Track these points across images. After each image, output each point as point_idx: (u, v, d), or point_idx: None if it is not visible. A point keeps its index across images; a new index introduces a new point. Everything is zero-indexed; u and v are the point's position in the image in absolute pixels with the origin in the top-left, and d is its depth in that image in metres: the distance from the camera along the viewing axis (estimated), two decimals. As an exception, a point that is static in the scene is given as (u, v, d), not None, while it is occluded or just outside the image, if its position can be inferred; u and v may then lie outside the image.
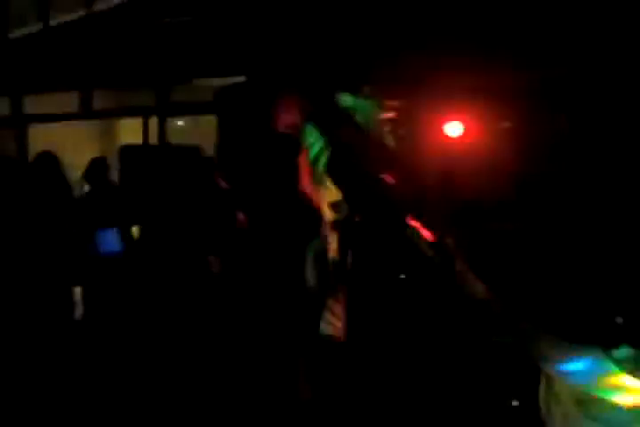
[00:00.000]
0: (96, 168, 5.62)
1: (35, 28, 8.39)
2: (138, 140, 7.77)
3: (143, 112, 7.78)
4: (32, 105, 8.40)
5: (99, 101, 8.14)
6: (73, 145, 7.16)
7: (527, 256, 3.99)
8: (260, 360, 3.31)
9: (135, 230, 4.92)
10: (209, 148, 5.52)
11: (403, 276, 4.76)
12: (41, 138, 7.77)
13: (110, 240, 5.29)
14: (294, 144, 3.60)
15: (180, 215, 4.82)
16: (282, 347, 3.21)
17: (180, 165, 4.94)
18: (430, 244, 1.51)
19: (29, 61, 8.14)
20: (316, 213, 3.32)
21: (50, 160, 5.48)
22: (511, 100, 5.28)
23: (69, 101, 8.16)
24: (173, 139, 7.38)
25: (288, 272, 3.13)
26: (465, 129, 5.67)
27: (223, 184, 4.96)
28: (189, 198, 4.89)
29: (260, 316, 3.16)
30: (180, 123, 8.55)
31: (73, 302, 5.41)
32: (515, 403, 1.71)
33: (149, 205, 4.94)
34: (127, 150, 5.01)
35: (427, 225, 3.56)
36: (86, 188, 5.69)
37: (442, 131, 5.69)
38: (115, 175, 5.43)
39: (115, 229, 5.28)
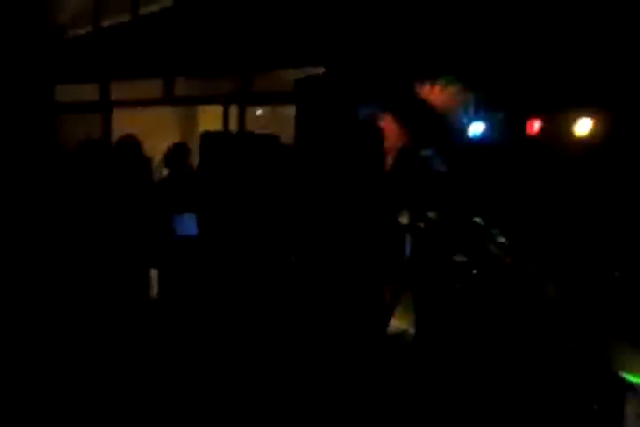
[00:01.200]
0: (176, 153, 5.78)
1: (123, 17, 8.65)
2: (218, 126, 7.93)
3: (224, 100, 7.93)
4: (118, 91, 8.68)
5: (181, 89, 8.34)
6: (155, 130, 7.36)
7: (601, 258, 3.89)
8: (328, 351, 3.35)
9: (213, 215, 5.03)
10: (287, 137, 5.59)
11: (474, 271, 4.75)
12: (125, 123, 8.02)
13: (187, 224, 5.42)
14: (371, 136, 3.63)
15: (255, 202, 4.90)
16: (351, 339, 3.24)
17: (259, 152, 5.02)
18: (501, 244, 1.50)
19: (117, 50, 8.42)
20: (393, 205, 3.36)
21: (132, 143, 5.65)
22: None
23: (153, 88, 8.39)
24: (252, 127, 7.50)
25: (359, 265, 3.17)
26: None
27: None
28: (264, 185, 4.96)
29: (333, 308, 3.20)
30: (259, 112, 8.68)
31: (149, 283, 5.59)
32: (595, 407, 1.67)
33: (227, 191, 5.04)
34: (207, 136, 5.12)
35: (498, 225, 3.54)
36: (165, 172, 5.85)
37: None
38: (195, 160, 5.56)
39: (191, 214, 5.39)
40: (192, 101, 8.63)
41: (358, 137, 3.47)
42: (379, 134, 3.50)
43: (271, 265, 4.59)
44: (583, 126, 5.16)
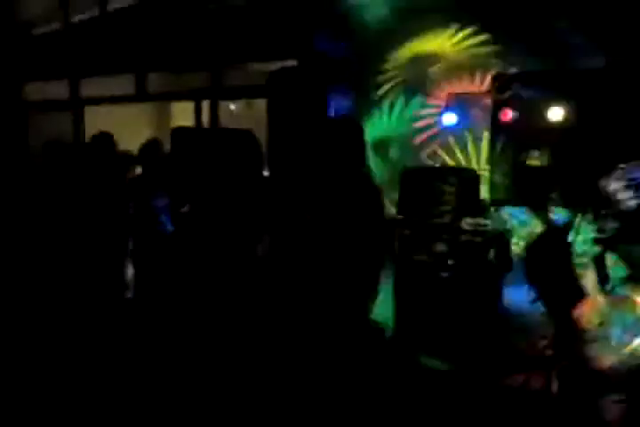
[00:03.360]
0: (148, 150, 5.69)
1: (93, 13, 8.51)
2: (191, 122, 7.84)
3: (196, 95, 7.84)
4: (89, 88, 8.55)
5: (153, 84, 8.23)
6: (127, 127, 7.25)
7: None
8: (304, 343, 3.30)
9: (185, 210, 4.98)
10: (261, 132, 5.52)
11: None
12: (97, 120, 7.90)
13: (160, 219, 5.36)
14: (345, 129, 3.58)
15: (229, 197, 4.84)
16: (326, 332, 3.19)
17: (231, 147, 4.95)
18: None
19: (87, 46, 8.28)
20: (368, 198, 3.30)
21: (106, 141, 5.57)
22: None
23: (125, 85, 8.27)
24: (226, 122, 7.42)
25: (331, 260, 3.12)
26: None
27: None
28: (239, 181, 4.89)
29: (308, 300, 3.15)
30: (232, 106, 8.59)
31: (125, 281, 5.52)
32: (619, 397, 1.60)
33: (200, 187, 4.98)
34: (178, 132, 5.04)
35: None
36: (139, 168, 5.76)
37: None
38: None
39: (166, 209, 5.33)
40: (164, 97, 8.52)
41: (335, 130, 3.40)
42: (357, 127, 3.43)
43: (241, 259, 4.53)
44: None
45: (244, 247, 4.49)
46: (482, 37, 5.81)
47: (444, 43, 6.03)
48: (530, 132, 5.17)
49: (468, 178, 5.03)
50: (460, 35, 5.96)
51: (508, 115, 5.33)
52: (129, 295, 5.58)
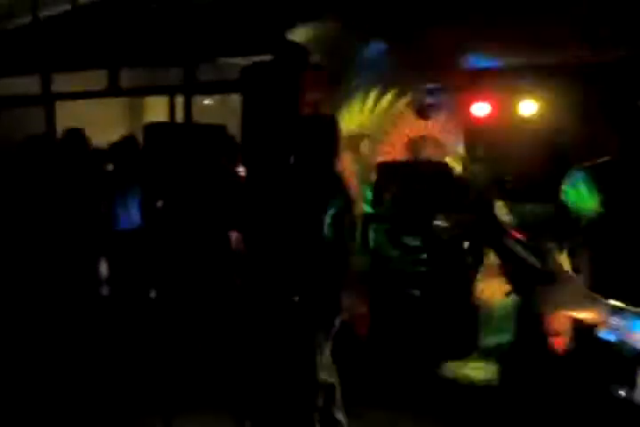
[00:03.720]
0: (122, 146, 5.66)
1: (64, 7, 8.40)
2: (164, 118, 7.79)
3: (169, 90, 7.78)
4: (60, 83, 8.45)
5: (126, 79, 8.16)
6: (100, 123, 7.19)
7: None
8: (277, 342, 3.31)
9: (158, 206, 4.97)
10: (235, 127, 5.51)
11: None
12: (69, 116, 7.81)
13: (132, 216, 5.35)
14: (318, 124, 3.58)
15: (202, 193, 4.84)
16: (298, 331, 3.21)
17: (204, 143, 4.95)
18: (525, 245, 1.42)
19: (58, 40, 8.17)
20: (341, 196, 3.31)
21: (77, 137, 5.53)
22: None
23: (97, 80, 8.19)
24: (200, 118, 7.38)
25: (306, 255, 3.13)
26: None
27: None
28: (211, 177, 4.89)
29: (281, 298, 3.16)
30: (206, 102, 8.54)
31: (99, 277, 5.50)
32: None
33: (172, 182, 4.98)
34: (152, 128, 5.03)
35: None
36: (111, 165, 5.73)
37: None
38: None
39: (137, 205, 5.32)
40: (137, 93, 8.45)
41: (309, 126, 3.40)
42: (331, 123, 3.43)
43: (215, 255, 4.54)
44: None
45: (217, 242, 4.50)
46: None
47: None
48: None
49: (442, 172, 5.08)
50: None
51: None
52: (104, 292, 5.56)
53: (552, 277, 1.43)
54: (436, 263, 4.98)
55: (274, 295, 3.16)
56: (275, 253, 3.17)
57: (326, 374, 3.23)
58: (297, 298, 3.02)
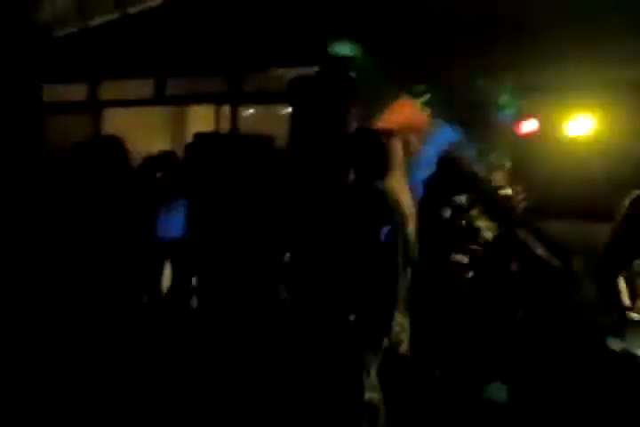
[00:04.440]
0: (166, 157, 5.66)
1: (113, 16, 8.51)
2: (208, 127, 7.81)
3: (215, 100, 7.81)
4: (107, 91, 8.55)
5: (172, 88, 8.22)
6: (146, 130, 7.24)
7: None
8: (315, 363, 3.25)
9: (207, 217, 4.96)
10: (281, 138, 5.49)
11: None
12: (115, 123, 7.90)
13: (174, 226, 5.34)
14: (367, 138, 3.53)
15: (246, 204, 4.81)
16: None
17: (251, 153, 4.92)
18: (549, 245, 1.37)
19: (107, 49, 8.28)
20: (389, 209, 3.25)
21: (114, 145, 5.53)
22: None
23: (144, 88, 8.27)
24: (245, 128, 7.40)
25: (362, 272, 3.08)
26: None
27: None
28: (258, 189, 4.86)
29: (335, 316, 3.10)
30: (251, 111, 8.55)
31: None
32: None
33: (217, 193, 4.96)
34: (200, 138, 5.03)
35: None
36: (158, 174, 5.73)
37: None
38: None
39: (180, 216, 5.32)
40: (183, 101, 8.50)
41: (355, 139, 3.36)
42: (376, 137, 3.39)
43: (260, 267, 4.50)
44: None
45: (264, 255, 4.46)
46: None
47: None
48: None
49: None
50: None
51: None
52: (144, 300, 5.57)
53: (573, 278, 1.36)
54: (481, 281, 4.86)
55: (328, 313, 3.10)
56: (329, 271, 3.11)
57: (371, 395, 3.16)
58: (352, 317, 2.95)
